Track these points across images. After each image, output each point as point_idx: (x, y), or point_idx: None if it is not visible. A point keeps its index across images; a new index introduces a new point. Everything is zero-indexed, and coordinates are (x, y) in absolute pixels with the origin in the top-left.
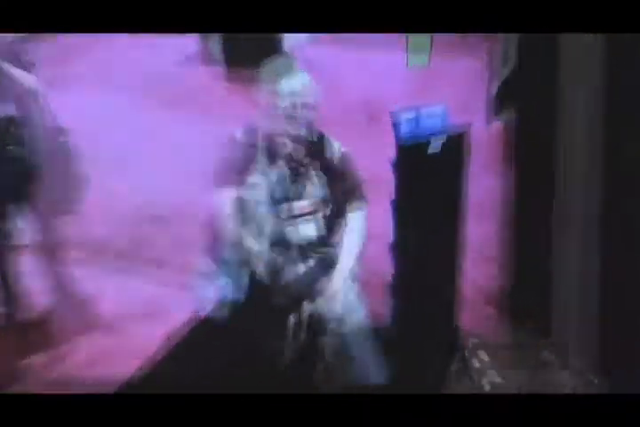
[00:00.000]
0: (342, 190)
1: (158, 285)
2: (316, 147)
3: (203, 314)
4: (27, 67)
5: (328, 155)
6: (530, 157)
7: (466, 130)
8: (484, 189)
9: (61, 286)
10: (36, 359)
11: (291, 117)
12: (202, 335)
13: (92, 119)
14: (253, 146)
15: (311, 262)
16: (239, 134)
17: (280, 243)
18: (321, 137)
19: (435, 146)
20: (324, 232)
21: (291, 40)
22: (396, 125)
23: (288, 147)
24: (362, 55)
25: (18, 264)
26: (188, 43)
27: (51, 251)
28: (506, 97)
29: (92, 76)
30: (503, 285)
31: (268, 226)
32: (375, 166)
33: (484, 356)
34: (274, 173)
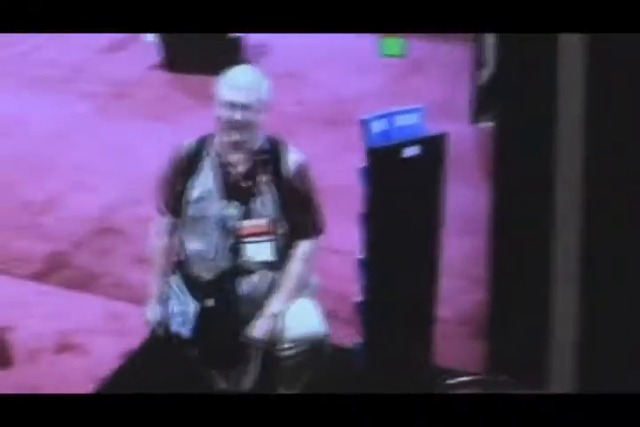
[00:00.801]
0: (297, 210)
1: (119, 301)
2: (266, 158)
3: (157, 334)
4: None
5: (281, 168)
6: (512, 166)
7: (444, 136)
8: (465, 200)
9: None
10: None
11: (229, 122)
12: (155, 356)
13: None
14: (199, 158)
15: (256, 285)
16: (186, 146)
17: (229, 265)
18: (274, 146)
19: (409, 153)
20: (273, 255)
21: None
22: (366, 130)
23: (233, 158)
24: (330, 43)
25: None
26: (147, 47)
27: None
28: (486, 101)
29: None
30: (488, 312)
31: (219, 245)
32: (341, 175)
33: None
34: (218, 188)
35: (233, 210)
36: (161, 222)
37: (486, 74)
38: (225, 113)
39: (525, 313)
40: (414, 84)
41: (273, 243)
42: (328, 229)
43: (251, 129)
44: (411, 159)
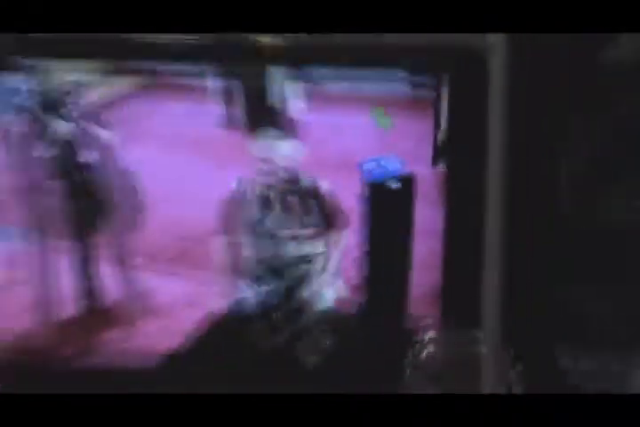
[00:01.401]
0: (328, 216)
1: (198, 284)
2: (299, 185)
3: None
4: (105, 126)
5: (310, 190)
6: (456, 194)
7: (413, 175)
8: (428, 218)
9: (128, 284)
10: (109, 337)
11: (266, 172)
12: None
13: (150, 165)
14: (245, 192)
15: (306, 268)
16: (235, 184)
17: (282, 261)
18: (303, 178)
19: (393, 185)
20: (318, 248)
21: (290, 108)
22: (363, 171)
23: (275, 188)
24: (341, 120)
25: (97, 268)
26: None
27: (120, 259)
28: (442, 147)
29: (152, 135)
30: (440, 288)
31: (274, 249)
32: (348, 200)
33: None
34: (268, 210)
35: (279, 222)
36: (223, 240)
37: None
38: (262, 166)
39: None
40: (396, 141)
41: (312, 241)
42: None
43: (284, 172)
44: (394, 190)
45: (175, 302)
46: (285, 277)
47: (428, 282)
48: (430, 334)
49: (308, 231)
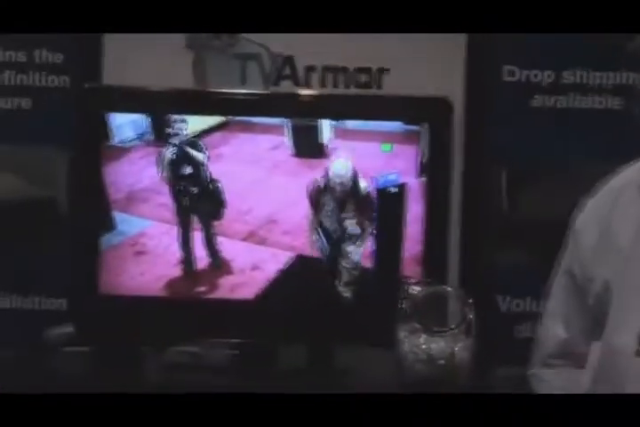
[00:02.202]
0: (368, 212)
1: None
2: (353, 188)
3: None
4: (200, 149)
5: (361, 193)
6: (432, 196)
7: (406, 183)
8: (415, 211)
9: (213, 253)
10: (202, 288)
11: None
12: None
13: (228, 175)
14: (322, 187)
15: (351, 246)
16: (319, 179)
17: (341, 233)
18: (356, 181)
19: (393, 190)
20: (360, 231)
21: (324, 138)
22: (375, 181)
23: (337, 190)
24: (357, 146)
25: (193, 243)
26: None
27: (209, 238)
28: (423, 165)
29: (231, 155)
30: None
31: (335, 227)
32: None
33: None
34: (331, 204)
35: (332, 214)
36: (311, 217)
37: (423, 156)
38: (332, 185)
39: None
40: (395, 161)
41: (360, 225)
42: None
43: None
44: (394, 193)
45: (245, 266)
46: (334, 248)
47: (414, 253)
48: (415, 287)
49: (350, 221)
